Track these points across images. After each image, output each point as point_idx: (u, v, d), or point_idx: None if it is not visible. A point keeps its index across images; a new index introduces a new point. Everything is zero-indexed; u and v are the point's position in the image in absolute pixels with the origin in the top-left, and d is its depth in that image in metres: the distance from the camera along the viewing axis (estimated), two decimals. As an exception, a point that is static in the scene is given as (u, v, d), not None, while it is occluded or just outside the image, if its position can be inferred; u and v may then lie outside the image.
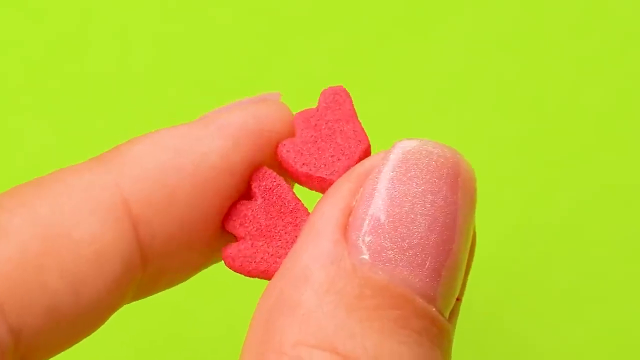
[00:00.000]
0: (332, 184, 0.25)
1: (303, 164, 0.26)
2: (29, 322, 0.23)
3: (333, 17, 0.48)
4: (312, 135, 0.26)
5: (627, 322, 0.44)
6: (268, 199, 0.26)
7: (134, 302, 0.27)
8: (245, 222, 0.26)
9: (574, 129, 0.47)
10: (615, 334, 0.44)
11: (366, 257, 0.22)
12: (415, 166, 0.23)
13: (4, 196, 0.24)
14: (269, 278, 0.25)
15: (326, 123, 0.26)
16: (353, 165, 0.25)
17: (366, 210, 0.23)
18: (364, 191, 0.23)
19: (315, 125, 0.26)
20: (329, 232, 0.23)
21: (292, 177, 0.26)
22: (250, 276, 0.26)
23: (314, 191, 0.26)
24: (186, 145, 0.25)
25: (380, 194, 0.23)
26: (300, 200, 0.26)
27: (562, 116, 0.47)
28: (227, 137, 0.25)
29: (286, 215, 0.26)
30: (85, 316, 0.24)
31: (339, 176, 0.25)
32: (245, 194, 0.26)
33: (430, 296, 0.22)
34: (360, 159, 0.25)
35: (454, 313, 0.23)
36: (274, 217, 0.26)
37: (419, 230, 0.23)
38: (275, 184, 0.26)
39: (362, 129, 0.26)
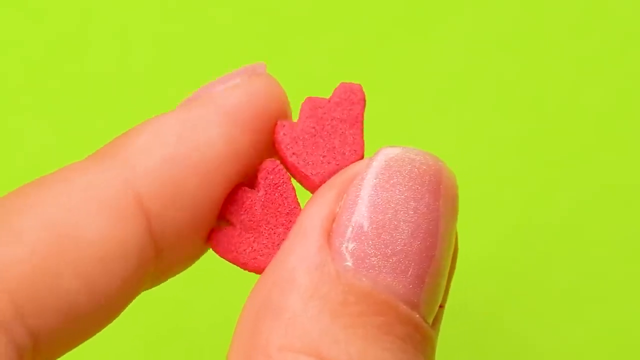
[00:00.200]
0: (314, 184, 0.25)
1: (293, 154, 0.25)
2: (47, 324, 0.23)
3: (333, 17, 0.48)
4: (313, 127, 0.26)
5: (627, 322, 0.44)
6: (270, 194, 0.26)
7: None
8: (241, 210, 0.26)
9: (573, 129, 0.47)
10: (615, 334, 0.44)
11: (349, 264, 0.22)
12: (398, 173, 0.23)
13: (11, 197, 0.24)
14: (246, 270, 0.25)
15: (331, 120, 0.26)
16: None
17: (349, 217, 0.23)
18: (347, 198, 0.23)
19: (321, 117, 0.26)
20: (314, 237, 0.23)
21: (280, 158, 0.26)
22: (230, 262, 0.26)
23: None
24: (190, 133, 0.25)
25: (364, 201, 0.23)
26: (299, 205, 0.26)
27: (562, 116, 0.47)
28: (229, 122, 0.25)
29: (281, 216, 0.25)
30: (100, 313, 0.24)
31: (322, 179, 0.25)
32: (249, 178, 0.26)
33: (413, 302, 0.22)
34: None
35: (437, 320, 0.23)
36: (269, 214, 0.26)
37: (402, 237, 0.23)
38: (281, 181, 0.26)
39: (362, 139, 0.26)
